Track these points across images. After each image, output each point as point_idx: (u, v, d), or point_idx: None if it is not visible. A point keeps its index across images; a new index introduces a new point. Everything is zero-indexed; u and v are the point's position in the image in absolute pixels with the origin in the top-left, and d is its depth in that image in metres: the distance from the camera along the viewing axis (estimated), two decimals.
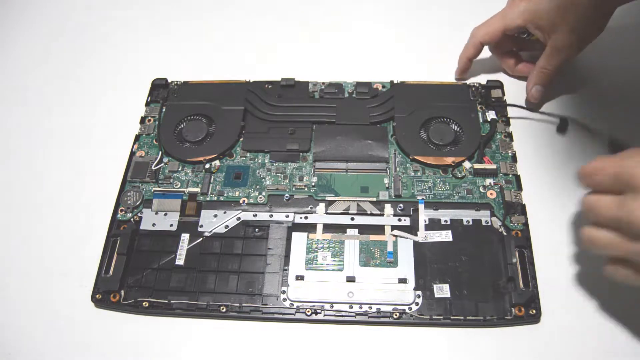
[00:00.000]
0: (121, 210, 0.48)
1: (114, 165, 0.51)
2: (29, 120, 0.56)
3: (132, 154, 0.51)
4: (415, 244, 0.45)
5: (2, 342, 0.43)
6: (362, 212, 0.47)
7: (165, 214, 0.48)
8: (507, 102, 0.53)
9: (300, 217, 0.47)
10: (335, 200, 0.48)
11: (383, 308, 0.42)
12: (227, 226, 0.47)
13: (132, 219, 0.47)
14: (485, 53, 0.55)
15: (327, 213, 0.47)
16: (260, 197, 0.48)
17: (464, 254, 0.44)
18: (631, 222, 0.30)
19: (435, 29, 0.61)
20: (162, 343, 0.43)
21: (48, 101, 0.58)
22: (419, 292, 0.43)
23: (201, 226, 0.47)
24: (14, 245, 0.48)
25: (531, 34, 0.51)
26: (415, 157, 0.49)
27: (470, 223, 0.46)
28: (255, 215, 0.47)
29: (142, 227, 0.47)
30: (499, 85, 0.53)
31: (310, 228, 0.46)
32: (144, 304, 0.43)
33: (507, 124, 0.51)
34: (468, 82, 0.55)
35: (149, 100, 0.55)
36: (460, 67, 0.55)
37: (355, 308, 0.43)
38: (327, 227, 0.46)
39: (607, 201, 0.33)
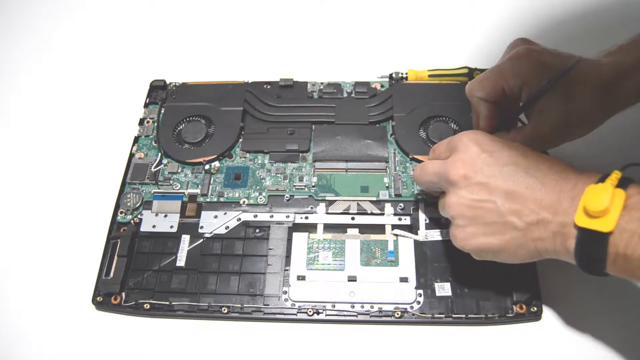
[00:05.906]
0: (121, 212, 0.48)
1: (114, 167, 0.51)
2: (27, 123, 0.56)
3: (132, 155, 0.51)
4: (416, 243, 0.45)
5: (3, 344, 0.43)
6: (362, 212, 0.47)
7: (166, 216, 0.47)
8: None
9: (301, 218, 0.47)
10: (336, 200, 0.48)
11: (385, 307, 0.42)
12: (227, 227, 0.47)
13: (132, 221, 0.47)
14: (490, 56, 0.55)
15: (327, 213, 0.47)
16: (261, 198, 0.48)
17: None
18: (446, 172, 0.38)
19: (434, 27, 0.61)
20: (163, 345, 0.43)
21: (46, 103, 0.58)
22: (421, 291, 0.43)
23: (201, 227, 0.47)
24: (15, 248, 0.48)
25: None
26: (415, 157, 0.49)
27: None
28: (255, 216, 0.47)
29: (142, 229, 0.47)
30: None
31: (310, 228, 0.46)
32: (145, 305, 0.43)
33: None
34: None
35: (147, 101, 0.55)
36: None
37: (357, 307, 0.43)
38: (328, 227, 0.46)
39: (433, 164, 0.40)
